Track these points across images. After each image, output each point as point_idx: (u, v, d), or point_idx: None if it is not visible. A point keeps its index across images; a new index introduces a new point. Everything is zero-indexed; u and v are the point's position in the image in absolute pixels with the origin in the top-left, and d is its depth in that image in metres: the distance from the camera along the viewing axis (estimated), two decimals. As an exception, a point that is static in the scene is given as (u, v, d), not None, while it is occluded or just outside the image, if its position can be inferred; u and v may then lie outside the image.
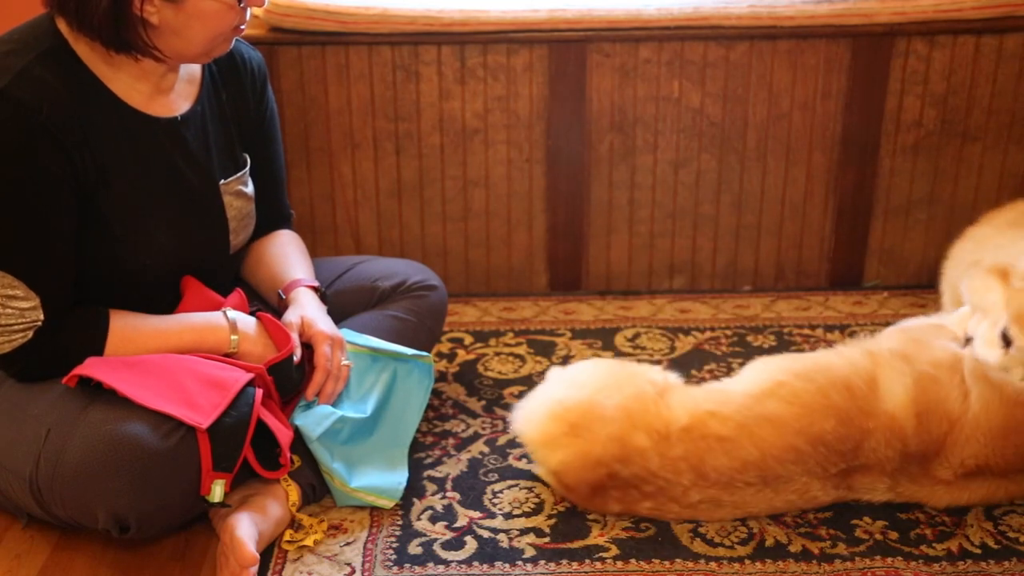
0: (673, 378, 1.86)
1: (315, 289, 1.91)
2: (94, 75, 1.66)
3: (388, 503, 1.82)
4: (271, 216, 1.99)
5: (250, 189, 1.89)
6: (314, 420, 1.78)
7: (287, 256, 1.96)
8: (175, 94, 1.76)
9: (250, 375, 1.70)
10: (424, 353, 1.95)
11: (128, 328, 1.70)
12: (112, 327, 1.69)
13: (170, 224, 1.75)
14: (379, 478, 1.84)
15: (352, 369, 1.85)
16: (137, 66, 1.68)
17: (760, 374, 1.82)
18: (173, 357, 1.70)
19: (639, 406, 1.76)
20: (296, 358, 1.77)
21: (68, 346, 1.67)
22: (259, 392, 1.70)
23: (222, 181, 1.82)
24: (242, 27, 1.70)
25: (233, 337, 1.75)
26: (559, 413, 1.80)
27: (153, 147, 1.72)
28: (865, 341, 1.91)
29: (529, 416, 1.84)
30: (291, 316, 1.83)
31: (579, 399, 1.80)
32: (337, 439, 1.80)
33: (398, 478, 1.86)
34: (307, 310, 1.84)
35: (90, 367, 1.64)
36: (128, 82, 1.69)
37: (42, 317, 1.64)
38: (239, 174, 1.86)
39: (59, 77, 1.62)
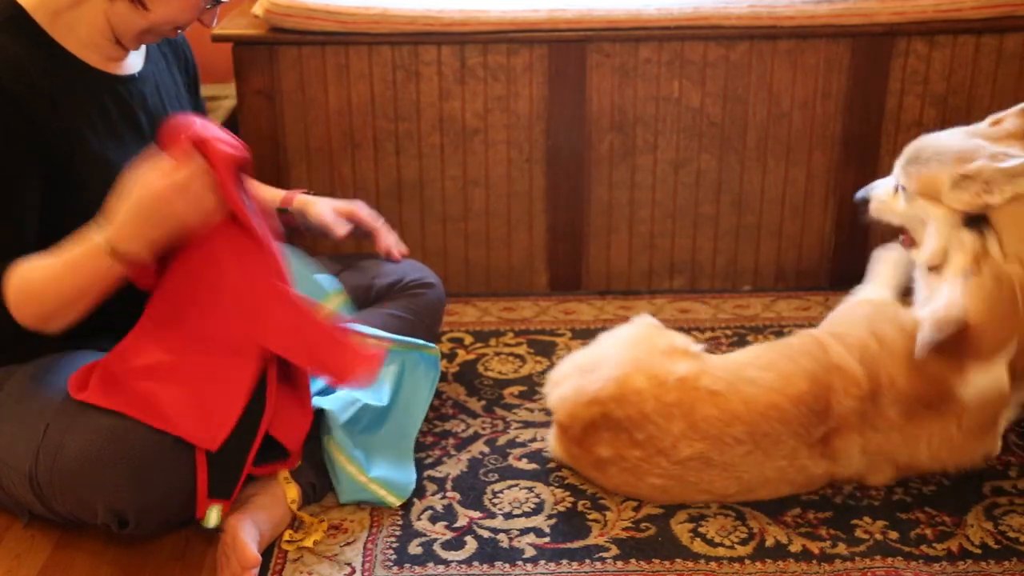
0: (696, 347, 1.94)
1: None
2: (53, 39, 1.68)
3: (396, 501, 1.83)
4: None
5: None
6: (340, 406, 1.80)
7: (257, 187, 1.96)
8: (127, 61, 1.80)
9: (257, 365, 1.65)
10: (430, 344, 1.97)
11: (23, 284, 1.60)
12: (9, 286, 1.61)
13: None
14: (392, 471, 1.85)
15: None
16: (95, 28, 1.70)
17: (735, 355, 1.93)
18: (181, 344, 1.64)
19: (647, 357, 1.85)
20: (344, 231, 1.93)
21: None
22: (270, 400, 1.67)
23: None
24: (184, 28, 1.75)
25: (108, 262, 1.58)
26: (578, 359, 1.95)
27: (118, 104, 1.75)
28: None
29: (563, 361, 1.99)
30: (322, 209, 1.98)
31: (599, 350, 1.94)
32: (357, 426, 1.82)
33: (409, 475, 1.87)
34: (324, 200, 1.97)
35: (95, 394, 1.62)
36: (86, 44, 1.71)
37: None
38: None
39: (20, 45, 1.64)
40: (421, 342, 1.96)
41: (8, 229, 1.64)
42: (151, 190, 1.53)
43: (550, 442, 1.96)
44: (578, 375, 1.89)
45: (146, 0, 1.65)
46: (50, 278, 1.59)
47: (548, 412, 2.11)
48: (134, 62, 1.82)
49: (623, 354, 1.88)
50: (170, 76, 1.91)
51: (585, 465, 1.87)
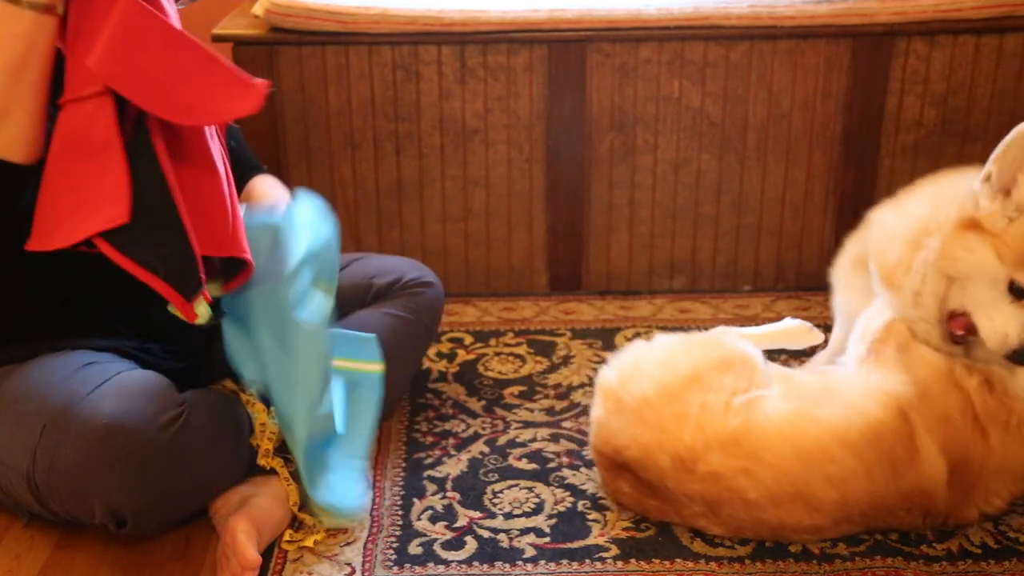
0: (741, 398, 1.70)
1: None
2: None
3: (333, 523, 1.77)
4: (239, 168, 1.95)
5: None
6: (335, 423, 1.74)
7: (268, 186, 1.95)
8: None
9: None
10: (374, 361, 1.86)
11: None
12: None
13: None
14: (335, 496, 1.75)
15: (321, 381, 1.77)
16: None
17: (811, 426, 1.66)
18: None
19: (676, 427, 1.68)
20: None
21: None
22: (165, 167, 1.54)
23: None
24: None
25: None
26: (625, 374, 1.77)
27: None
28: (875, 368, 1.75)
29: (620, 356, 1.83)
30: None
31: (645, 376, 1.74)
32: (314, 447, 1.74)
33: (354, 501, 1.75)
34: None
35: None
36: None
37: None
38: None
39: None
40: (366, 359, 1.86)
41: None
42: None
43: (590, 446, 1.87)
44: (616, 401, 1.75)
45: None
46: None
47: (548, 412, 2.11)
48: None
49: (655, 407, 1.70)
50: None
51: (609, 489, 1.83)
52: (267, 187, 1.97)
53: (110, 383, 1.65)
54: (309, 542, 1.75)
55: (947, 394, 1.68)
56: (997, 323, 1.61)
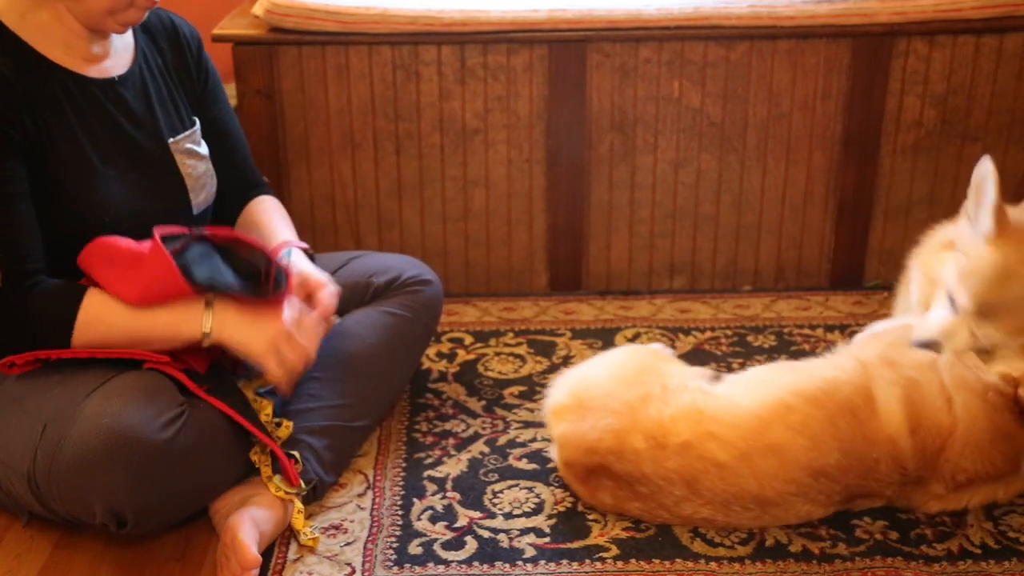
0: (694, 381, 1.82)
1: (303, 251, 1.93)
2: (26, 43, 1.68)
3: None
4: (242, 183, 2.02)
5: (203, 149, 1.92)
6: None
7: (270, 222, 1.99)
8: (110, 61, 1.79)
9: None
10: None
11: (101, 304, 1.68)
12: (85, 302, 1.67)
13: (123, 182, 1.76)
14: None
15: None
16: (64, 27, 1.70)
17: (768, 390, 1.75)
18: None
19: (642, 405, 1.75)
20: (291, 314, 1.76)
21: (38, 314, 1.66)
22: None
23: (171, 139, 1.84)
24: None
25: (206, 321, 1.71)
26: (577, 389, 1.83)
27: (94, 108, 1.75)
28: (847, 348, 1.89)
29: (558, 383, 1.89)
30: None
31: (598, 382, 1.82)
32: None
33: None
34: (302, 266, 1.86)
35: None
36: (62, 50, 1.71)
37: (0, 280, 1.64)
38: (188, 132, 1.88)
39: None
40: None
41: (6, 222, 1.64)
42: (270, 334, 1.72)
43: (557, 466, 1.89)
44: (577, 411, 1.79)
45: None
46: (130, 326, 1.68)
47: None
48: (117, 64, 1.80)
49: (620, 396, 1.77)
50: (166, 79, 1.88)
51: (592, 501, 1.83)
52: (269, 216, 1.98)
53: (111, 383, 1.65)
54: (309, 542, 1.74)
55: (916, 365, 1.77)
56: (931, 317, 1.83)
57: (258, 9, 2.42)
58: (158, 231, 1.70)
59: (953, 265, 1.79)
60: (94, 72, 1.76)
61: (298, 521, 1.75)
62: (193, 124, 1.91)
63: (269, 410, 1.80)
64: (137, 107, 1.80)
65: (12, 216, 1.65)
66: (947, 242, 1.87)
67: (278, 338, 1.73)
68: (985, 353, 1.77)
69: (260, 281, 1.73)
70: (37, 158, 1.67)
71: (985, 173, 1.75)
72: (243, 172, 2.03)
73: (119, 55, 1.81)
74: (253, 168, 2.08)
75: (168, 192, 1.84)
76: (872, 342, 1.88)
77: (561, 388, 1.87)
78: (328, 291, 1.83)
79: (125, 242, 1.70)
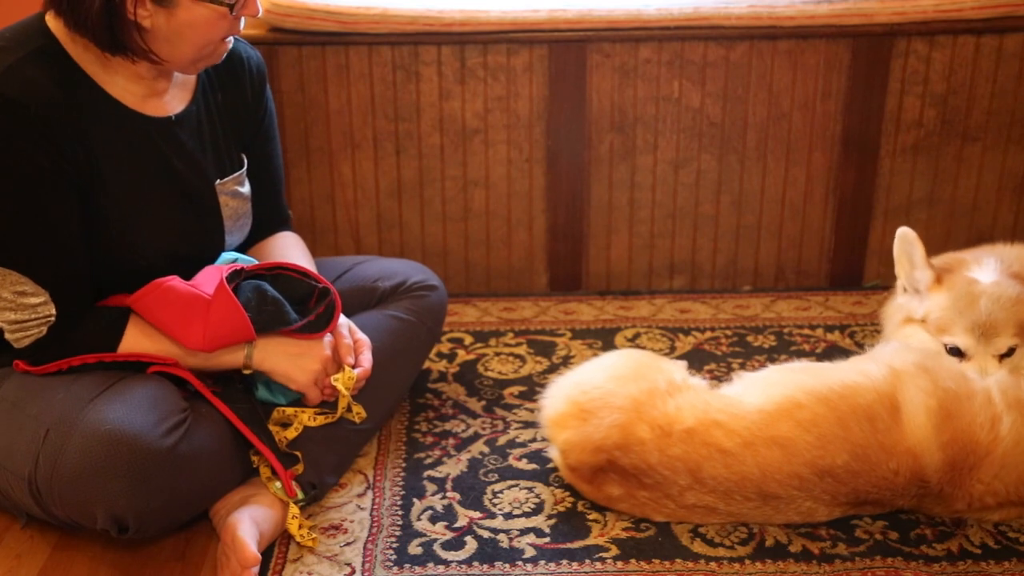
0: (695, 380, 1.84)
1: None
2: (86, 74, 1.66)
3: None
4: (271, 218, 1.99)
5: (246, 189, 1.90)
6: None
7: (294, 260, 1.96)
8: (169, 96, 1.76)
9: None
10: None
11: (145, 331, 1.71)
12: (129, 328, 1.70)
13: (166, 221, 1.76)
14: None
15: None
16: (132, 68, 1.68)
17: (777, 388, 1.75)
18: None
19: (648, 399, 1.76)
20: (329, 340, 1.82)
21: (84, 341, 1.69)
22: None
23: (218, 181, 1.82)
24: (229, 40, 1.71)
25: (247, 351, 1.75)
26: (574, 395, 1.82)
27: (147, 146, 1.73)
28: (883, 352, 1.84)
29: (552, 393, 1.88)
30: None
31: (596, 384, 1.82)
32: None
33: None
34: (343, 319, 1.87)
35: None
36: (122, 84, 1.70)
37: (54, 312, 1.65)
38: (236, 174, 1.86)
39: (49, 75, 1.62)
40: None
41: (52, 245, 1.65)
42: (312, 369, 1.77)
43: (560, 469, 1.89)
44: (579, 415, 1.79)
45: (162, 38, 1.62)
46: (172, 354, 1.72)
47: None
48: (175, 100, 1.77)
49: (622, 392, 1.77)
50: (221, 118, 1.85)
51: (597, 498, 1.83)
52: (289, 252, 1.97)
53: (114, 388, 1.65)
54: (308, 543, 1.74)
55: (953, 373, 1.76)
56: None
57: (258, 9, 2.42)
58: (221, 272, 1.71)
59: (923, 335, 1.88)
60: (152, 109, 1.73)
61: (292, 526, 1.75)
62: (241, 166, 1.89)
63: (310, 413, 1.82)
64: (191, 147, 1.78)
65: (58, 248, 1.65)
66: (905, 318, 1.93)
67: (321, 371, 1.78)
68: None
69: (309, 311, 1.77)
70: (86, 191, 1.66)
71: (911, 240, 1.89)
72: (276, 207, 2.01)
73: (178, 91, 1.78)
74: (284, 203, 2.05)
75: (206, 232, 1.83)
76: (908, 354, 1.81)
77: (557, 397, 1.86)
78: (368, 355, 1.86)
79: (182, 285, 1.70)
